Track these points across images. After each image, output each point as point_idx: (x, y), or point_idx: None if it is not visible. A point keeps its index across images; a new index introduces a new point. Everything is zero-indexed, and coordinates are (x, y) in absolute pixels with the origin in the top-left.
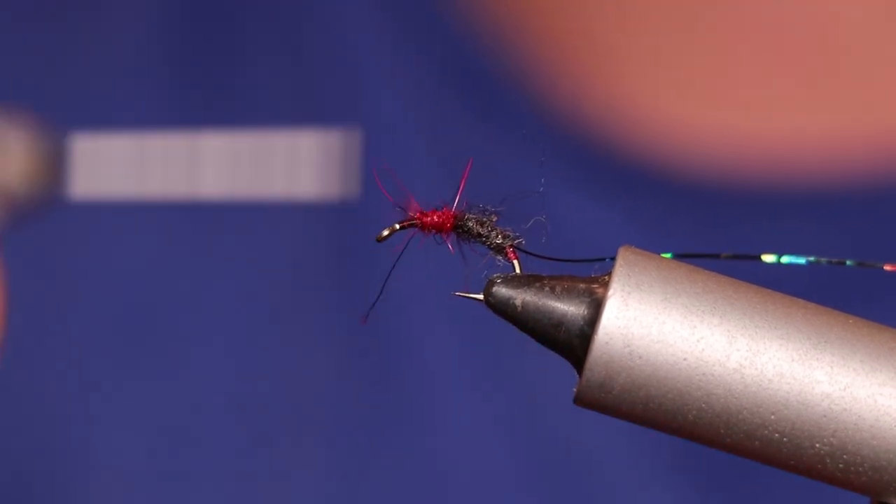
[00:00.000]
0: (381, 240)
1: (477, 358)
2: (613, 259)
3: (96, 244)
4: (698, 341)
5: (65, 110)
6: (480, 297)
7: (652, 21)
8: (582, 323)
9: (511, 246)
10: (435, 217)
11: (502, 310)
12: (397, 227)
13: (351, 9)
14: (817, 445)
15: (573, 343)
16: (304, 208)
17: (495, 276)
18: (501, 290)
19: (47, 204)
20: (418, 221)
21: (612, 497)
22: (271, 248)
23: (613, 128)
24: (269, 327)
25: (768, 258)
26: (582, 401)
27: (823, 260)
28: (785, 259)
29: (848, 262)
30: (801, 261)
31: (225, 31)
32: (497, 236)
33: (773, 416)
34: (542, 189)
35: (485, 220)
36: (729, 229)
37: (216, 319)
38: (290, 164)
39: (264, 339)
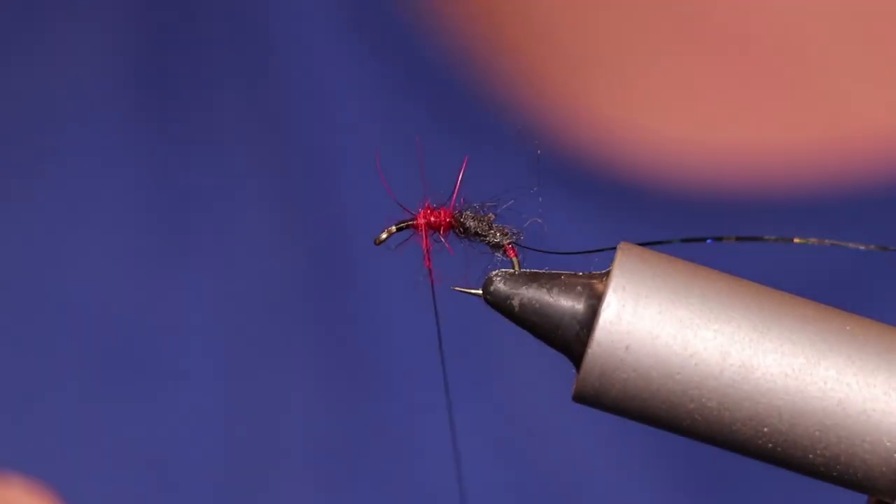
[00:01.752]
0: (380, 242)
1: (467, 367)
2: (613, 249)
3: (72, 268)
4: (691, 356)
5: (31, 128)
6: (479, 292)
7: (624, 34)
8: (578, 327)
9: (510, 243)
10: (433, 217)
11: (500, 307)
12: (394, 229)
13: (319, 28)
14: (810, 456)
15: (570, 345)
16: (284, 229)
17: (494, 272)
18: (500, 288)
19: None
20: (416, 222)
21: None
22: (249, 272)
23: (587, 141)
24: (249, 351)
25: (771, 239)
26: (578, 401)
27: (826, 241)
28: (797, 240)
29: (850, 245)
30: (803, 241)
31: (189, 51)
32: (495, 234)
33: (766, 429)
34: (536, 188)
35: (482, 217)
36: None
37: (194, 345)
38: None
39: (245, 361)
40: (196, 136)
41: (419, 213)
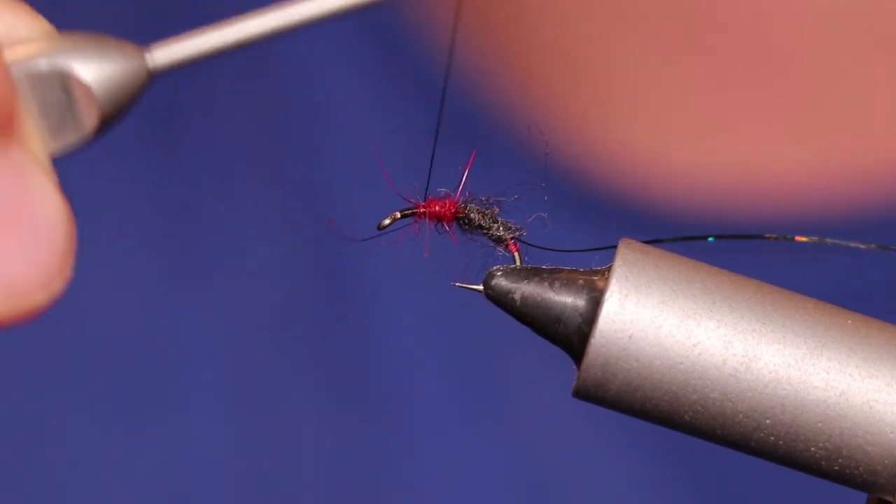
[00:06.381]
0: (382, 228)
1: (468, 369)
2: (614, 248)
3: (79, 298)
4: (694, 346)
5: None
6: (480, 288)
7: (632, 52)
8: (580, 320)
9: (512, 238)
10: (437, 206)
11: (501, 302)
12: (398, 215)
13: (326, 49)
14: (812, 449)
15: (571, 339)
16: (291, 249)
17: (495, 267)
18: (501, 283)
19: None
20: (420, 210)
21: None
22: (256, 292)
23: (594, 165)
24: (258, 371)
25: (771, 238)
26: (579, 395)
27: (827, 240)
28: (799, 238)
29: (852, 244)
30: (804, 240)
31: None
32: (499, 228)
33: (768, 421)
34: (543, 184)
35: (487, 211)
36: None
37: (201, 367)
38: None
39: (253, 381)
40: (199, 155)
41: (424, 202)
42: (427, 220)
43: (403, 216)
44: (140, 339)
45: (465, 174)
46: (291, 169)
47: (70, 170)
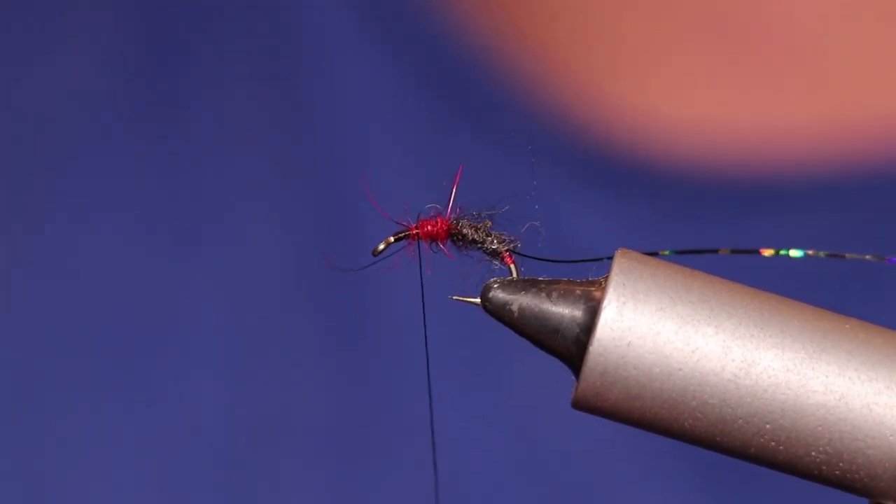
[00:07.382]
0: (377, 253)
1: (472, 372)
2: (611, 258)
3: (76, 264)
4: (693, 352)
5: (40, 123)
6: (478, 300)
7: (638, 17)
8: (578, 330)
9: (507, 250)
10: (429, 226)
11: (499, 315)
12: (392, 239)
13: (334, 21)
14: (813, 454)
15: (570, 350)
16: (293, 225)
17: (492, 280)
18: (498, 295)
19: None
20: (413, 232)
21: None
22: (256, 267)
23: (602, 125)
24: (256, 347)
25: (766, 252)
26: (578, 406)
27: (822, 253)
28: (783, 252)
29: (847, 256)
30: (800, 253)
31: (201, 47)
32: (493, 241)
33: (768, 426)
34: (533, 193)
35: (479, 225)
36: (723, 224)
37: (201, 339)
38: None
39: (251, 358)
40: (205, 132)
41: (417, 223)
42: (421, 241)
43: (397, 240)
44: (140, 307)
45: (454, 190)
46: (301, 153)
47: (73, 151)
